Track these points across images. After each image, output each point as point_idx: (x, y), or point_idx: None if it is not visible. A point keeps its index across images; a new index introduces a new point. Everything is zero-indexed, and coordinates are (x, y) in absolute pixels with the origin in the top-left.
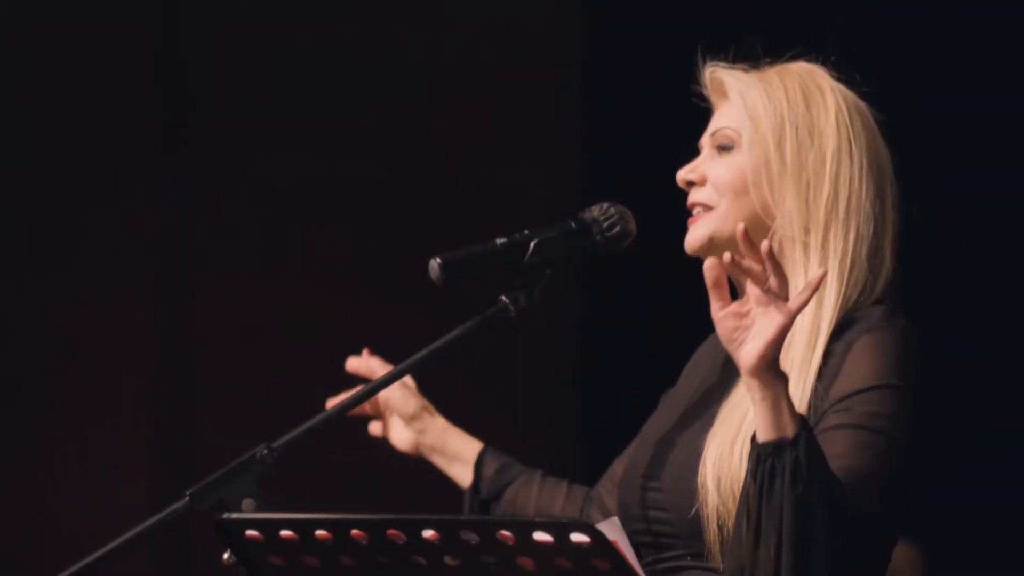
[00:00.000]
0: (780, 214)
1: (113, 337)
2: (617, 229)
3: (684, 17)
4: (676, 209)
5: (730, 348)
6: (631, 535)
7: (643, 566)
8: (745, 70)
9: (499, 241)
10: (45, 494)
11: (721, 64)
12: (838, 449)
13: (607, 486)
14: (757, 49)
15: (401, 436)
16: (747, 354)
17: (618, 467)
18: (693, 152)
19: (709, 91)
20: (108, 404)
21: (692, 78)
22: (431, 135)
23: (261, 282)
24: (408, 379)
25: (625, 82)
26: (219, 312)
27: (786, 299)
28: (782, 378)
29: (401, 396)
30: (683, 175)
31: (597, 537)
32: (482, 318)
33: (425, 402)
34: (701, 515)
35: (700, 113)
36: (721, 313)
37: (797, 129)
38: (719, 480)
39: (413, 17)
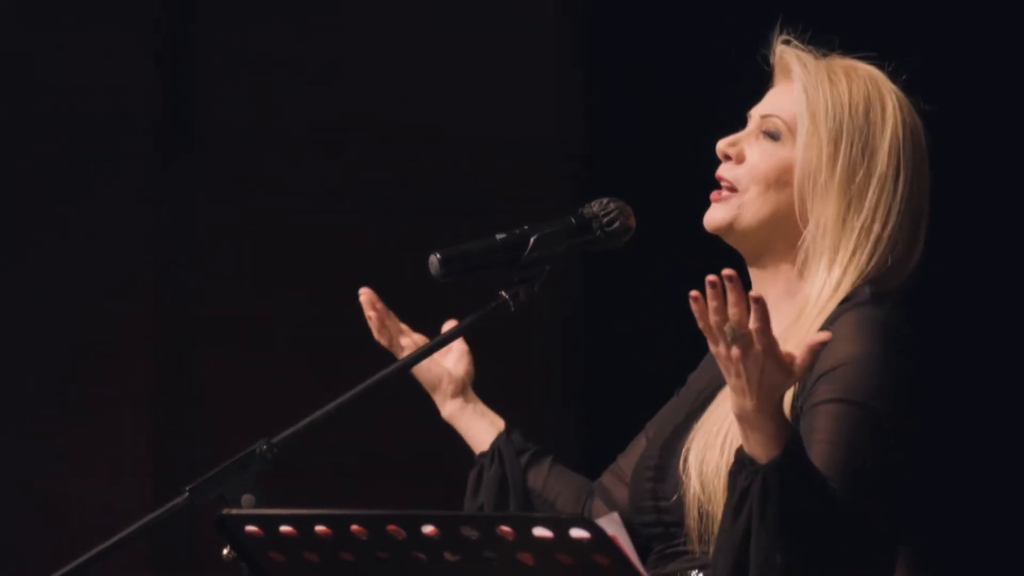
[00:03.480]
0: (814, 222)
1: (115, 336)
2: (617, 224)
3: (686, 18)
4: (679, 208)
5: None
6: (643, 526)
7: (653, 555)
8: (817, 56)
9: (499, 236)
10: (47, 492)
11: (795, 43)
12: (820, 425)
13: (610, 479)
14: (834, 41)
15: (434, 372)
16: (745, 405)
17: (621, 461)
18: (695, 153)
19: (776, 63)
20: (110, 403)
21: (694, 70)
22: (433, 134)
23: (262, 280)
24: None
25: (626, 82)
26: (221, 310)
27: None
28: (772, 414)
29: (455, 365)
30: (723, 147)
31: (597, 533)
32: (482, 313)
33: (467, 381)
34: (684, 501)
35: (702, 113)
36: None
37: (853, 143)
38: (701, 469)
39: (415, 17)
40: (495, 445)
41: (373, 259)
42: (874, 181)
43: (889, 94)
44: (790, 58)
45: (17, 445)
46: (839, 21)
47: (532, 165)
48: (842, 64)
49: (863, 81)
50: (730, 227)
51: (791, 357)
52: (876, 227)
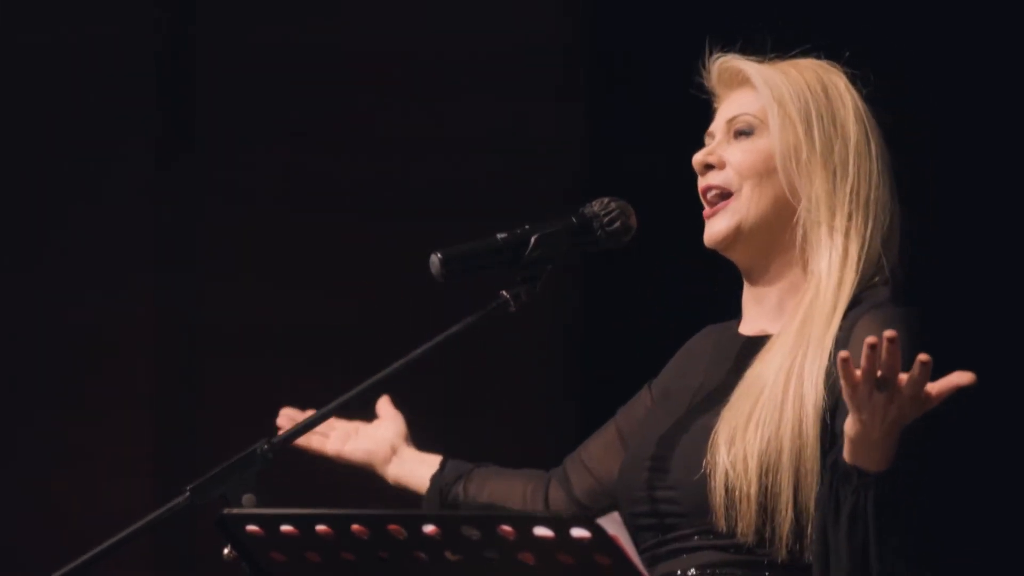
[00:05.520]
0: (806, 197)
1: (115, 336)
2: (618, 224)
3: (686, 18)
4: (679, 209)
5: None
6: (634, 517)
7: (646, 549)
8: (759, 60)
9: (500, 236)
10: (47, 492)
11: (733, 54)
12: None
13: (573, 466)
14: (766, 45)
15: (391, 470)
16: (870, 432)
17: (591, 445)
18: (695, 149)
19: (716, 82)
20: (110, 403)
21: (695, 70)
22: (434, 133)
23: (263, 280)
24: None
25: (626, 82)
26: (221, 310)
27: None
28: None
29: (395, 434)
30: (700, 158)
31: (598, 532)
32: (483, 313)
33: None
34: (708, 479)
35: (702, 113)
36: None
37: (823, 117)
38: (731, 445)
39: (417, 15)
40: (428, 489)
41: (373, 259)
42: (851, 148)
43: (836, 74)
44: (738, 63)
45: (18, 445)
46: (836, 18)
47: (532, 165)
48: (784, 62)
49: (809, 69)
50: (737, 232)
51: (927, 394)
52: (863, 190)
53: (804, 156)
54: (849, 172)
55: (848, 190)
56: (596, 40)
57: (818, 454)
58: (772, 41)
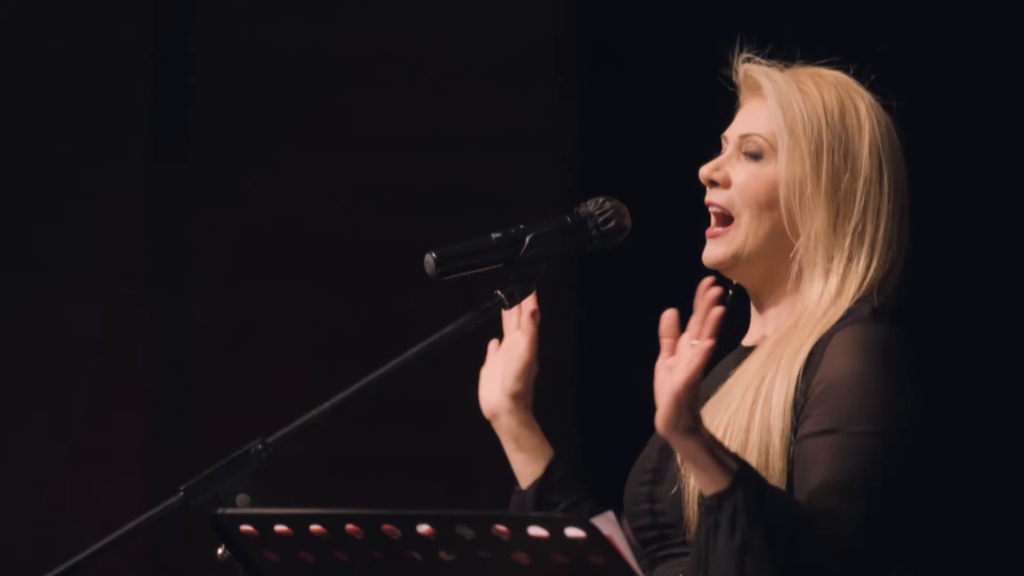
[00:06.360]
0: (805, 234)
1: (112, 337)
2: (612, 224)
3: (688, 17)
4: (677, 208)
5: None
6: (637, 530)
7: (646, 556)
8: (780, 69)
9: (494, 235)
10: (44, 492)
11: (756, 60)
12: (818, 459)
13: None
14: (795, 50)
15: (489, 398)
16: (657, 418)
17: None
18: (691, 150)
19: (741, 82)
20: (106, 403)
21: (693, 69)
22: (430, 133)
23: (258, 281)
24: (531, 365)
25: (623, 80)
26: (216, 310)
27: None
28: (696, 433)
29: (513, 376)
30: (706, 173)
31: (592, 532)
32: (477, 313)
33: (524, 391)
34: (682, 494)
35: (699, 112)
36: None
37: (834, 151)
38: None
39: (413, 15)
40: (529, 494)
41: (372, 259)
42: (860, 184)
43: (859, 95)
44: (757, 75)
45: (15, 445)
46: (835, 18)
47: (531, 165)
48: (807, 72)
49: (832, 86)
50: (734, 260)
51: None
52: (869, 229)
53: (808, 192)
54: (854, 210)
55: (850, 230)
56: (594, 40)
57: (784, 482)
58: (770, 42)
